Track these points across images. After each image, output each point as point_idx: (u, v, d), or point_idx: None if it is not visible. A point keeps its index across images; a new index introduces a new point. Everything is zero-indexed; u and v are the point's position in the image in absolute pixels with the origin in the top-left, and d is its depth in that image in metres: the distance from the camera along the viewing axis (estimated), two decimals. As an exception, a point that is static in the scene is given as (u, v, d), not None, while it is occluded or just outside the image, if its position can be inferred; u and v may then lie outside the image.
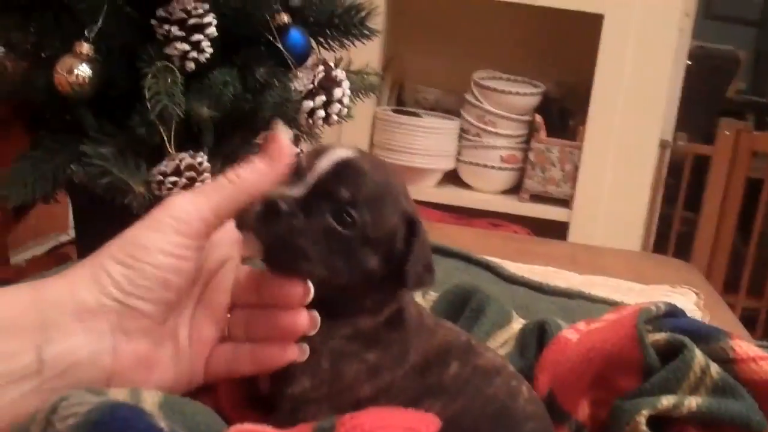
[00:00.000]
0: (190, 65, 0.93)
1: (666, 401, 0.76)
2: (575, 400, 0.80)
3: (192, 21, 0.91)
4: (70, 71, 0.92)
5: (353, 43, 1.08)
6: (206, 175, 0.91)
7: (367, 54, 2.29)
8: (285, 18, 0.98)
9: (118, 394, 0.52)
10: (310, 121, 0.98)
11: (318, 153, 0.66)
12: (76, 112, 0.95)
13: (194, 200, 0.62)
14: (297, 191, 0.63)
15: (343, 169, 0.64)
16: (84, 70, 0.92)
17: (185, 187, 0.89)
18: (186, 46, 0.91)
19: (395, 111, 2.45)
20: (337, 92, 0.97)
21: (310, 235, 0.62)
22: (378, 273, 0.66)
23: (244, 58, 0.98)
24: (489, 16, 2.46)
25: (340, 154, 0.66)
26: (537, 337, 0.88)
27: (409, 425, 0.54)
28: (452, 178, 2.47)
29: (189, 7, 0.91)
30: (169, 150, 0.91)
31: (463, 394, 0.67)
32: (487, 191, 2.42)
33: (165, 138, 0.91)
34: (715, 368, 0.78)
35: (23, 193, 0.92)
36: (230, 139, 1.00)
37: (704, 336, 0.80)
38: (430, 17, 2.56)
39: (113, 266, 0.60)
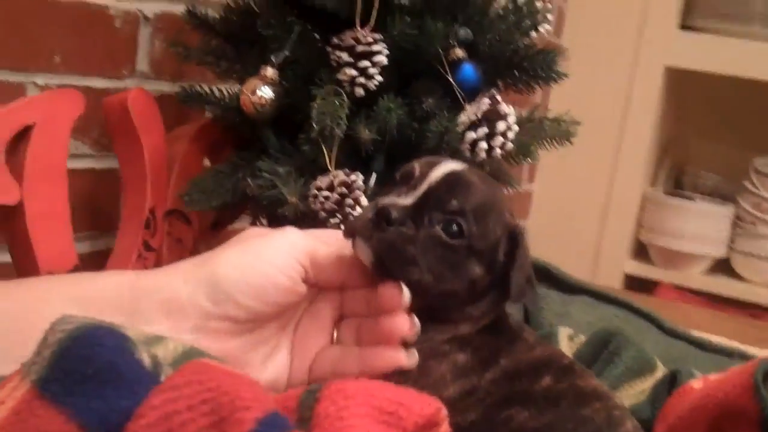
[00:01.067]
0: (359, 91, 0.98)
1: (781, 460, 0.68)
2: (688, 452, 0.74)
3: (360, 48, 0.96)
4: (254, 92, 1.00)
5: (539, 86, 1.08)
6: (358, 192, 0.94)
7: (640, 133, 2.26)
8: (459, 53, 1.00)
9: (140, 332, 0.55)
10: (473, 153, 0.98)
11: (429, 165, 0.69)
12: (260, 131, 1.03)
13: (306, 237, 0.68)
14: (407, 200, 0.66)
15: (453, 181, 0.67)
16: (266, 92, 1.00)
17: (336, 203, 0.93)
18: (354, 72, 0.96)
19: (666, 193, 2.36)
20: (501, 125, 0.97)
21: (419, 243, 0.65)
22: (481, 283, 0.68)
23: (414, 89, 1.01)
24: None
25: (450, 166, 0.68)
26: (668, 386, 0.83)
27: (400, 400, 0.52)
28: (722, 266, 2.32)
29: (359, 35, 0.96)
30: (330, 168, 0.96)
31: (553, 409, 0.65)
32: (759, 283, 2.25)
33: (327, 156, 0.96)
34: None
35: (201, 200, 1.02)
36: (398, 166, 1.03)
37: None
38: (714, 100, 2.46)
39: (219, 267, 0.64)
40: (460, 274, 0.66)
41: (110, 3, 1.17)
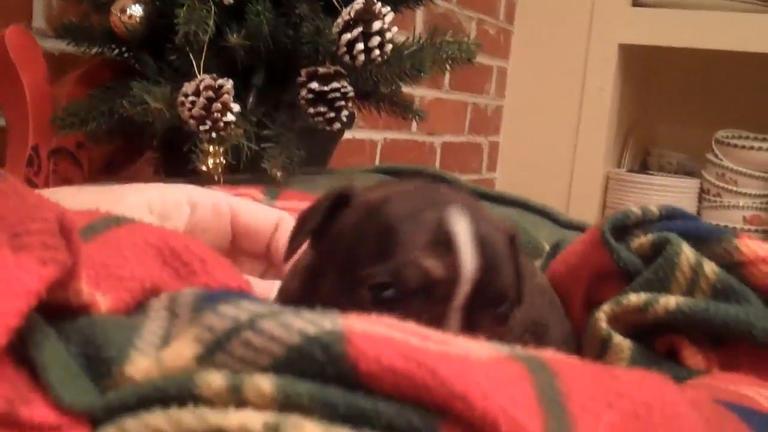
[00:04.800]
0: (228, -1, 0.94)
1: (635, 298, 0.64)
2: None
3: (221, -51, 0.93)
4: (123, 11, 0.97)
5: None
6: (227, 97, 0.90)
7: (598, 114, 2.22)
8: (333, -44, 0.97)
9: None
10: (350, 57, 0.94)
11: (439, 249, 0.52)
12: (137, 56, 1.00)
13: None
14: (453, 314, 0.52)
15: (489, 260, 0.52)
16: (136, 10, 0.98)
17: (204, 108, 0.89)
18: (219, -25, 0.93)
19: (629, 171, 2.32)
20: (376, 24, 0.93)
21: None
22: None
23: (290, -5, 0.98)
24: (739, 72, 2.28)
25: (462, 228, 0.52)
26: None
27: (203, 257, 0.47)
28: (691, 241, 2.26)
29: (220, -64, 0.93)
30: (198, 74, 0.92)
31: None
32: (728, 255, 2.18)
33: (194, 62, 0.92)
34: (710, 267, 0.64)
35: (74, 123, 0.98)
36: (279, 82, 1.00)
37: (704, 237, 0.67)
38: (674, 79, 2.43)
39: None
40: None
41: (-4, -50, 1.15)
